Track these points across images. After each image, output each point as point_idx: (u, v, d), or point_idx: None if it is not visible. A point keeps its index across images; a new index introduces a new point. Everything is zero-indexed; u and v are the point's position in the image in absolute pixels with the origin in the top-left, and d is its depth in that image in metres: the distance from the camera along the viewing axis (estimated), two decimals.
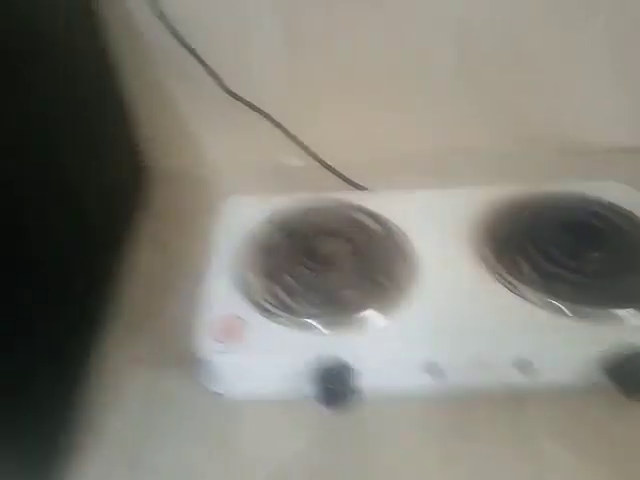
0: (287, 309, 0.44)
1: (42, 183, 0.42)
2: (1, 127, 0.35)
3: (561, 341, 0.42)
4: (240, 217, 0.54)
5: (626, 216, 0.51)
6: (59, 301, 0.43)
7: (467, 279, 0.47)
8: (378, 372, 0.43)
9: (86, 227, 0.49)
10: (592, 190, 0.54)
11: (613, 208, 0.52)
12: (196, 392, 0.44)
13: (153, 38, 0.59)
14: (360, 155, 0.63)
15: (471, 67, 0.64)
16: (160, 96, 0.64)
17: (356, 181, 0.64)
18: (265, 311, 0.44)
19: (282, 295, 0.45)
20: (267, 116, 0.64)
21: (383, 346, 0.43)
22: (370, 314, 0.44)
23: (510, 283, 0.46)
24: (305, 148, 0.65)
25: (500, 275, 0.47)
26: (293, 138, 0.65)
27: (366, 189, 0.63)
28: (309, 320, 0.44)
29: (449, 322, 0.43)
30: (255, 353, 0.42)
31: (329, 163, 0.64)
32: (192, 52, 0.59)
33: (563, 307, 0.43)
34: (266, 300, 0.45)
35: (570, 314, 0.43)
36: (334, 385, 0.40)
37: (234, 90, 0.62)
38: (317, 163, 0.64)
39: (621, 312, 0.43)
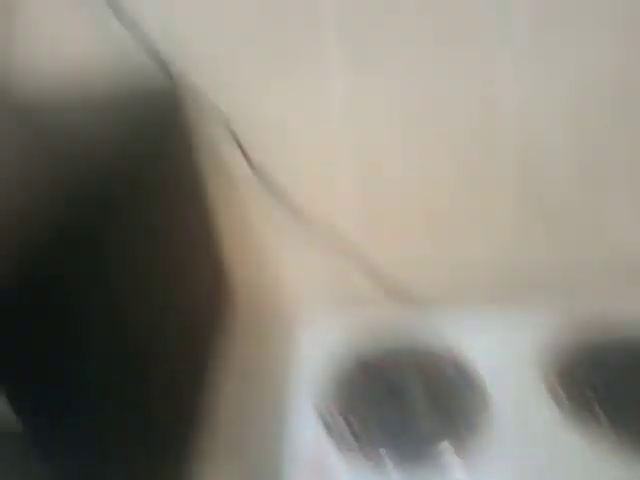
0: (367, 448, 0.47)
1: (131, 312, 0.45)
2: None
3: None
4: (318, 344, 0.58)
5: None
6: (141, 433, 0.44)
7: (540, 422, 0.48)
8: None
9: (167, 355, 0.51)
10: None
11: None
12: None
13: (242, 181, 0.67)
14: (424, 271, 0.67)
15: (535, 187, 0.68)
16: (243, 224, 0.71)
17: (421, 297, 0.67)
18: (348, 451, 0.47)
19: (363, 434, 0.48)
20: (343, 243, 0.70)
21: None
22: (445, 449, 0.46)
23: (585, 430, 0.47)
24: (378, 273, 0.70)
25: (574, 419, 0.48)
26: (370, 269, 0.70)
27: (432, 303, 0.67)
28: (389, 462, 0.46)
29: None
30: None
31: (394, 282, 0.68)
32: (278, 196, 0.67)
33: None
34: (348, 438, 0.48)
35: None
36: None
37: (315, 221, 0.69)
38: (387, 284, 0.69)
39: None
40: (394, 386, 0.54)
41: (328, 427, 0.50)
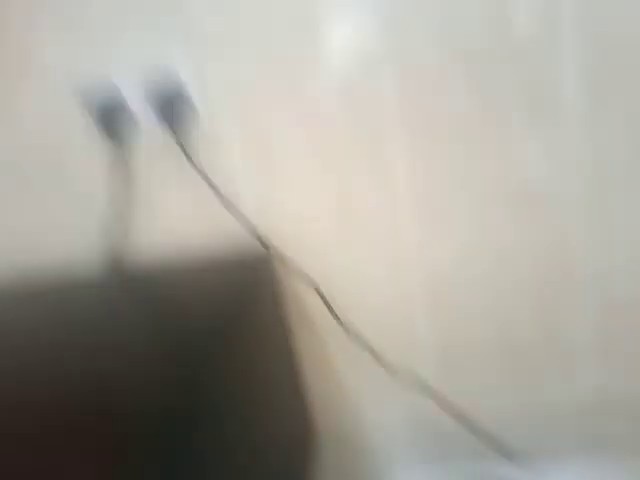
0: None
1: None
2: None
3: None
4: None
5: None
6: None
7: None
8: None
9: None
10: None
11: None
12: None
13: (327, 332, 0.72)
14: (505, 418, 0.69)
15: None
16: (327, 371, 0.76)
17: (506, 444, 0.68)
18: None
19: None
20: (423, 388, 0.73)
21: None
22: None
23: None
24: (458, 418, 0.72)
25: None
26: (451, 414, 0.72)
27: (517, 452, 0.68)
28: None
29: None
30: None
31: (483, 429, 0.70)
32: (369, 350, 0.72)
33: None
34: None
35: None
36: None
37: (391, 360, 0.73)
38: (470, 429, 0.70)
39: None
40: None
41: None
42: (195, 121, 0.64)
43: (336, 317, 0.70)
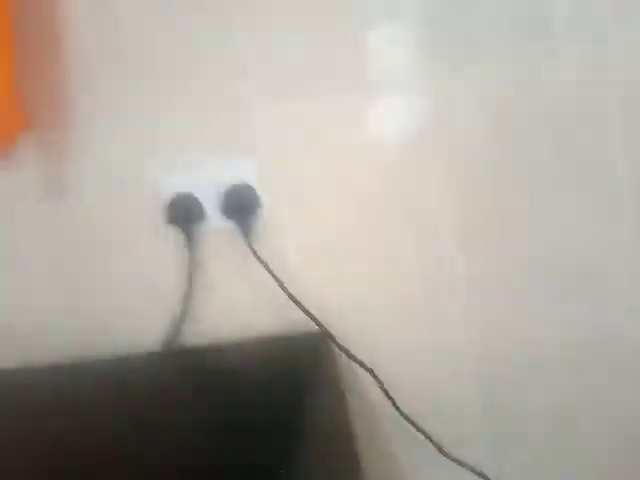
0: None
1: None
2: None
3: None
4: None
5: None
6: None
7: None
8: None
9: None
10: None
11: None
12: None
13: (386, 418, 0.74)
14: None
15: None
16: (387, 459, 0.77)
17: None
18: None
19: None
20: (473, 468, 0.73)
21: None
22: None
23: None
24: None
25: None
26: None
27: None
28: None
29: None
30: None
31: None
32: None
33: None
34: None
35: None
36: None
37: (444, 441, 0.73)
38: None
39: None
40: None
41: None
42: (259, 212, 0.69)
43: (391, 399, 0.72)
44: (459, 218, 0.67)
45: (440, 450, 0.73)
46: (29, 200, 0.74)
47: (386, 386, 0.71)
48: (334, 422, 0.70)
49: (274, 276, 0.69)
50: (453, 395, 0.73)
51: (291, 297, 0.69)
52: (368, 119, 0.66)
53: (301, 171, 0.68)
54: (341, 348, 0.71)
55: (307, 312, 0.70)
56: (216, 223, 0.70)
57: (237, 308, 0.74)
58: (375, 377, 0.71)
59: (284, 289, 0.69)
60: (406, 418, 0.72)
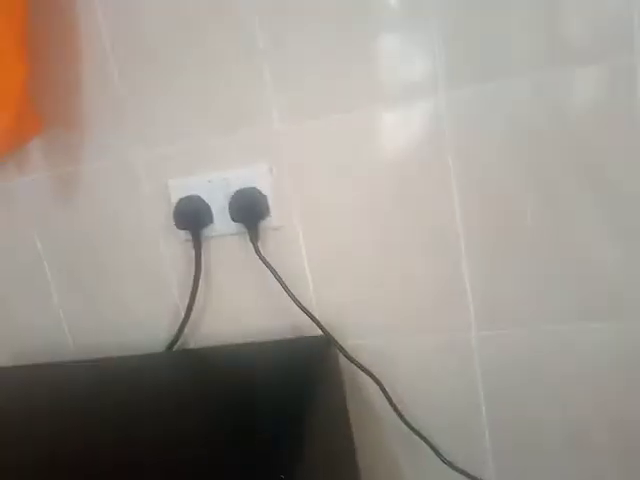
0: None
1: None
2: None
3: None
4: None
5: None
6: None
7: None
8: None
9: None
10: None
11: None
12: None
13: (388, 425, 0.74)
14: None
15: None
16: (389, 464, 0.76)
17: None
18: None
19: None
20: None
21: None
22: None
23: None
24: None
25: None
26: None
27: None
28: None
29: None
30: None
31: None
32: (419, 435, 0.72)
33: None
34: None
35: None
36: None
37: (452, 461, 0.73)
38: None
39: None
40: None
41: None
42: (267, 218, 0.70)
43: (395, 408, 0.71)
44: (476, 235, 0.66)
45: (445, 461, 0.73)
46: (40, 201, 0.76)
47: (389, 393, 0.71)
48: (336, 426, 0.69)
49: (280, 281, 0.69)
50: (460, 405, 0.72)
51: (296, 302, 0.69)
52: (383, 133, 0.66)
53: (311, 177, 0.69)
54: (345, 353, 0.71)
55: (312, 317, 0.70)
56: (224, 227, 0.71)
57: (242, 311, 0.74)
58: (378, 383, 0.71)
59: (290, 294, 0.69)
60: (410, 427, 0.72)
